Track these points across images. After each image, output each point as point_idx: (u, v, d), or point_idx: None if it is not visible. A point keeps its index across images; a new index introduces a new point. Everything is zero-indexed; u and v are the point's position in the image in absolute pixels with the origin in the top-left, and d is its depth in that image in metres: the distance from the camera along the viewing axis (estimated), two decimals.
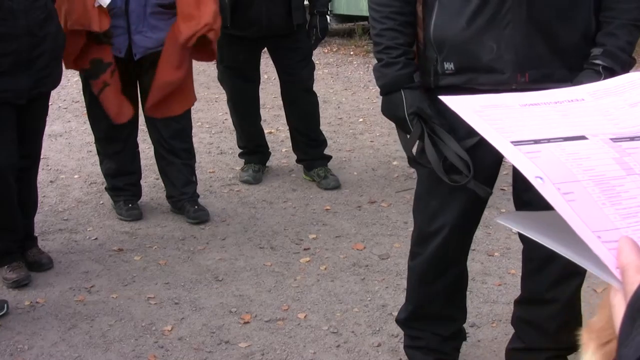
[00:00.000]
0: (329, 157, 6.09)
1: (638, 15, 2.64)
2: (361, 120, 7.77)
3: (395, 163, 6.39)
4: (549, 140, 1.10)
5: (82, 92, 5.26)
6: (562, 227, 1.00)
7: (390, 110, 2.81)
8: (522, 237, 3.08)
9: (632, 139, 1.10)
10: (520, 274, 3.27)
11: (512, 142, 1.09)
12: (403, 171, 6.20)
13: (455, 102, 1.23)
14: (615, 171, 1.04)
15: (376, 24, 2.80)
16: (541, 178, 1.01)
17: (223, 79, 5.94)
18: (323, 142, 6.13)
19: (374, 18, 2.81)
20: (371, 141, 7.06)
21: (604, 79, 2.59)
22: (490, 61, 2.60)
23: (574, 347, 3.25)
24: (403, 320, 3.32)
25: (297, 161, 6.16)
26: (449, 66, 2.69)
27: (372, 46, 3.01)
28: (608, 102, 1.22)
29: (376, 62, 2.87)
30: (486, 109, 1.22)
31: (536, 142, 1.09)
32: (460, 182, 2.67)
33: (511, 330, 3.40)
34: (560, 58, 2.63)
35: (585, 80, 2.61)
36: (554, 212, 1.06)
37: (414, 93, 2.74)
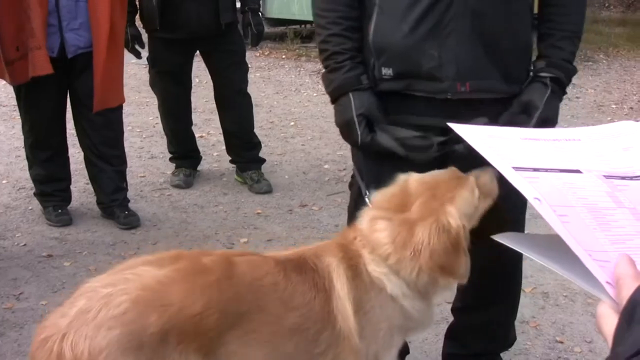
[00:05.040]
0: (263, 160, 6.13)
1: (578, 27, 2.71)
2: (292, 124, 7.81)
3: (326, 166, 6.44)
4: (546, 170, 1.23)
5: (8, 96, 5.18)
6: (554, 249, 1.11)
7: (340, 115, 2.70)
8: None
9: (623, 177, 1.23)
10: None
11: (513, 167, 1.20)
12: (334, 174, 6.25)
13: (463, 130, 1.37)
14: (607, 202, 1.16)
15: (322, 30, 2.70)
16: (539, 199, 1.12)
17: (155, 84, 5.91)
18: (257, 145, 6.16)
19: (320, 25, 2.72)
20: (302, 145, 7.10)
21: (550, 90, 2.64)
22: (430, 69, 2.57)
23: (509, 344, 3.31)
24: None
25: (231, 162, 6.19)
26: (387, 72, 2.64)
27: (317, 53, 2.87)
28: (603, 144, 1.35)
29: (324, 69, 2.78)
30: (490, 138, 1.35)
31: (535, 169, 1.22)
32: (421, 155, 2.60)
33: (441, 331, 3.45)
34: (500, 69, 2.64)
35: (535, 94, 2.63)
36: (547, 236, 1.17)
37: (363, 95, 2.65)
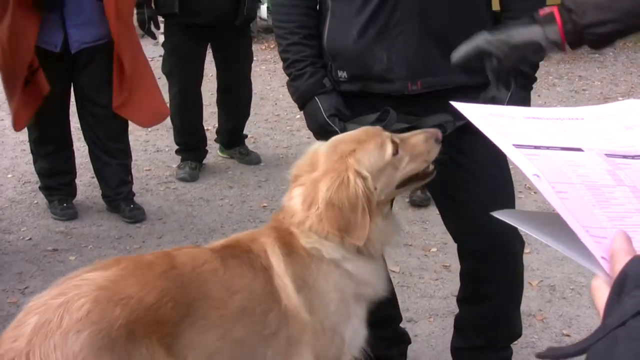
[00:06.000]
0: (246, 135, 6.48)
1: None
2: (298, 116, 7.77)
3: None
4: (547, 148, 1.23)
5: None
6: (552, 225, 1.12)
7: (311, 119, 2.78)
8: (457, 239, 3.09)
9: (624, 156, 1.23)
10: (457, 267, 3.28)
11: (513, 145, 1.21)
12: None
13: (465, 108, 1.36)
14: (607, 180, 1.16)
15: (281, 40, 2.80)
16: (538, 175, 1.13)
17: (172, 72, 5.90)
18: (244, 136, 6.46)
19: (279, 35, 2.81)
20: (308, 137, 7.05)
21: (514, 82, 2.64)
22: (381, 71, 2.63)
23: (513, 336, 3.30)
24: None
25: (216, 140, 6.45)
26: (342, 74, 2.72)
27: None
28: (606, 123, 1.35)
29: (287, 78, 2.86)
30: (492, 116, 1.35)
31: (536, 147, 1.22)
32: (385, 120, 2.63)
33: (448, 325, 3.44)
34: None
35: (499, 90, 2.64)
36: (545, 213, 1.19)
37: (329, 96, 2.73)
